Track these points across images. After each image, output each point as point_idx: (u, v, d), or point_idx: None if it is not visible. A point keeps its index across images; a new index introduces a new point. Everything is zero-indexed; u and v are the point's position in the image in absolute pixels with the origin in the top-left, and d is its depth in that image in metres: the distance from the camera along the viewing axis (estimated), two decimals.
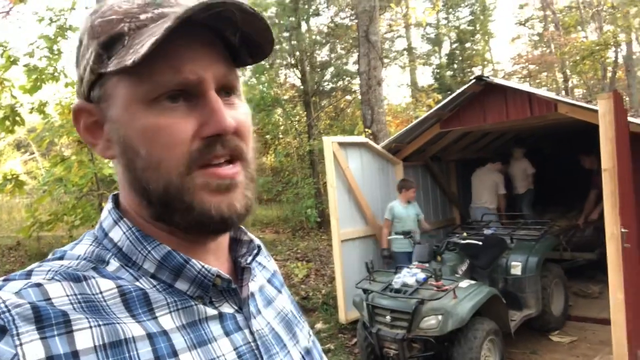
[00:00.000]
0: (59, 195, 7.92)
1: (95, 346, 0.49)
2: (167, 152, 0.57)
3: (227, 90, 0.62)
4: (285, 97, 14.47)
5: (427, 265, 4.48)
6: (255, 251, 0.73)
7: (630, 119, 4.53)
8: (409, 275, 4.15)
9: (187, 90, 0.59)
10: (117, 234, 0.62)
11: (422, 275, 4.14)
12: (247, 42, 0.63)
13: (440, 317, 3.76)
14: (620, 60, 18.56)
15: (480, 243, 4.67)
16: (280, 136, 14.80)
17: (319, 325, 5.67)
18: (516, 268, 4.90)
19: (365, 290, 4.23)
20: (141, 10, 0.58)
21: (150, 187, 0.59)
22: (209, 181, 0.59)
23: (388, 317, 3.97)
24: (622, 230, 3.84)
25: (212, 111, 0.58)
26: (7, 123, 6.53)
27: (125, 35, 0.57)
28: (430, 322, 3.79)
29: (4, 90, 6.65)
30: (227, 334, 0.62)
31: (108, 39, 0.58)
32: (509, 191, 7.23)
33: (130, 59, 0.54)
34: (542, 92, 5.68)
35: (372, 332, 4.02)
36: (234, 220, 0.61)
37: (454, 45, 20.79)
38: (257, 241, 0.76)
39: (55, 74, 6.62)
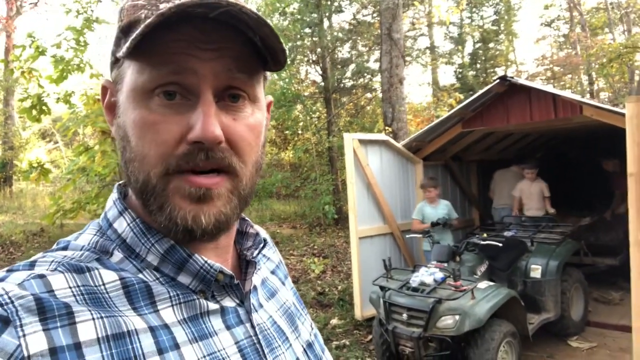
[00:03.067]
0: (81, 184, 8.06)
1: (98, 337, 0.49)
2: (151, 149, 0.56)
3: (234, 94, 0.58)
4: (306, 93, 14.48)
5: (445, 265, 4.46)
6: (261, 245, 0.73)
7: None
8: (427, 274, 4.13)
9: (185, 87, 0.56)
10: (122, 225, 0.62)
11: (440, 275, 4.13)
12: (266, 46, 0.58)
13: (457, 317, 3.74)
14: None
15: (500, 245, 4.63)
16: (300, 132, 14.83)
17: (334, 321, 5.68)
18: (536, 271, 4.85)
19: (382, 288, 4.22)
20: None
21: (132, 179, 0.59)
22: (183, 186, 0.56)
23: (405, 315, 3.97)
24: None
25: (199, 115, 0.55)
26: (34, 112, 6.67)
27: (140, 22, 0.55)
28: (447, 322, 3.78)
29: (31, 79, 6.78)
30: (229, 327, 0.61)
31: (127, 24, 0.57)
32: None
33: (121, 49, 0.53)
34: (567, 94, 5.60)
35: (388, 329, 4.02)
36: (200, 233, 0.57)
37: (477, 45, 20.53)
38: (263, 234, 0.76)
39: (81, 65, 6.72)
